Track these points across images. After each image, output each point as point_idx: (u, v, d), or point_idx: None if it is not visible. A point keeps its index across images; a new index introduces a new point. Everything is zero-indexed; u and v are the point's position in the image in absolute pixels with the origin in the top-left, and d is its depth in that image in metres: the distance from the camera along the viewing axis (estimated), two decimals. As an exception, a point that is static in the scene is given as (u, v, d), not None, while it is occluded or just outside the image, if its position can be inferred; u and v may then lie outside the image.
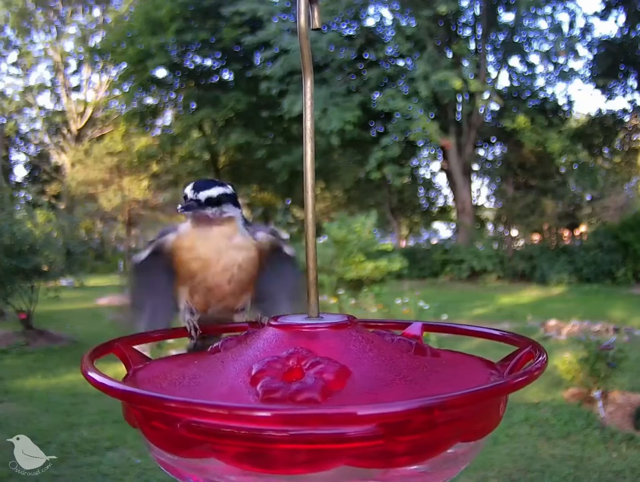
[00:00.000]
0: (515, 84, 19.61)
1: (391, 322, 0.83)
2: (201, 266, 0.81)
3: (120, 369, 0.65)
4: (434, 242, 23.29)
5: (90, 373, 0.52)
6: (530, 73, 19.16)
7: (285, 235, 0.87)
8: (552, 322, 8.26)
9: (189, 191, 0.80)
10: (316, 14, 0.65)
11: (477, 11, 18.52)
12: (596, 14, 18.93)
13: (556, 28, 17.41)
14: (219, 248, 0.80)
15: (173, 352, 5.11)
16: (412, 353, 0.60)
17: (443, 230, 29.21)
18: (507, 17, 20.07)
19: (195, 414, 0.43)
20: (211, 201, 0.79)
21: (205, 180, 0.82)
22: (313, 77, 0.63)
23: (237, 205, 0.83)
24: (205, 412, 0.42)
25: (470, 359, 0.67)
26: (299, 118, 0.64)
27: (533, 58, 18.88)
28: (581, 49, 18.80)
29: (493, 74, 18.92)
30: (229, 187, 0.82)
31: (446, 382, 0.55)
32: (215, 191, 0.79)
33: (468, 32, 19.51)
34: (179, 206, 0.79)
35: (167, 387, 0.56)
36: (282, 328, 0.59)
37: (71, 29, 27.41)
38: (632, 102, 20.46)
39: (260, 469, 0.45)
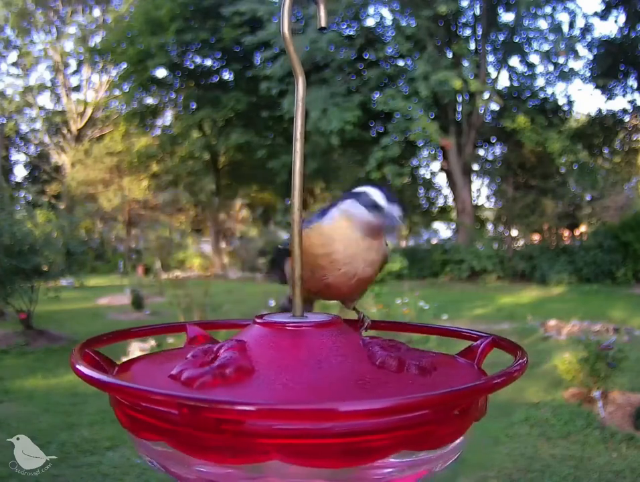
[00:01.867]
0: (515, 84, 19.59)
1: (461, 331, 0.77)
2: (327, 264, 0.75)
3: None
4: (434, 242, 23.21)
5: (77, 368, 0.54)
6: (530, 73, 19.14)
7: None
8: (552, 322, 8.25)
9: (377, 197, 0.74)
10: (322, 13, 0.64)
11: (477, 11, 18.51)
12: (596, 14, 18.93)
13: (556, 28, 17.39)
14: (363, 259, 0.76)
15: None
16: (374, 365, 0.56)
17: (443, 230, 29.12)
18: (507, 17, 20.08)
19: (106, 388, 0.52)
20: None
21: (387, 189, 0.77)
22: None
23: None
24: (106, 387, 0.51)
25: (466, 373, 0.62)
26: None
27: (533, 58, 18.88)
28: (581, 49, 18.80)
29: (493, 74, 18.92)
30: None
31: (357, 397, 0.50)
32: (401, 210, 0.75)
33: (468, 32, 19.50)
34: (370, 211, 0.73)
35: (146, 367, 0.64)
36: (263, 325, 0.61)
37: (71, 29, 27.43)
38: (632, 102, 20.45)
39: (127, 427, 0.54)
